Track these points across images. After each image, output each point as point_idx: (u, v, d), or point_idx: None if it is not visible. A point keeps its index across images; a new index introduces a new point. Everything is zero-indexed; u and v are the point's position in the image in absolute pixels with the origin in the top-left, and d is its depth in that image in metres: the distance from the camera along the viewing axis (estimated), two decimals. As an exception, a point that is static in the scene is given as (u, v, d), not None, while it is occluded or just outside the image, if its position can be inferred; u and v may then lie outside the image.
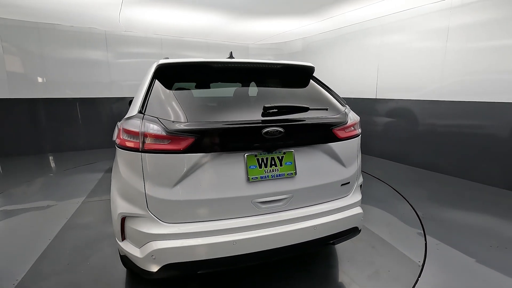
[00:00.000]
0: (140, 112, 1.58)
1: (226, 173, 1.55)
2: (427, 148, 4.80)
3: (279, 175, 1.64)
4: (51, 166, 5.24)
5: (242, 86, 2.06)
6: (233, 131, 1.55)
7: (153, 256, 1.47)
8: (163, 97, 1.66)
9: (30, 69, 5.85)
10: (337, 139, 1.78)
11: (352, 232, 1.88)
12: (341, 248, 2.47)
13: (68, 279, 2.09)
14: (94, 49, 6.31)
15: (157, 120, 1.51)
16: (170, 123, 1.49)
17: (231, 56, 2.48)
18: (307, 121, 1.70)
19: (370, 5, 4.67)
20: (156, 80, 1.73)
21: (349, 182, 1.88)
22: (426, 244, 2.53)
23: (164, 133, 1.46)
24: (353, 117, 1.93)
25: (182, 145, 1.47)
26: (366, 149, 5.96)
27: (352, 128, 1.89)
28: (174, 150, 1.47)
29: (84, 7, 4.69)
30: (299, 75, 2.13)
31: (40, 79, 5.95)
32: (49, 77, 6.00)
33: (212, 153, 1.52)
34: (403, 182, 4.23)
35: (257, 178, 1.59)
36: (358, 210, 1.90)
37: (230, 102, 1.95)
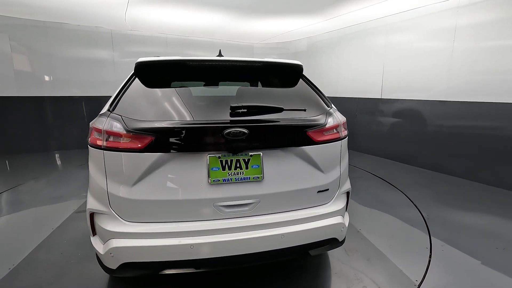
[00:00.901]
0: (108, 110, 1.60)
1: (187, 174, 1.50)
2: (433, 149, 4.76)
3: (244, 178, 1.54)
4: (57, 164, 5.31)
5: (221, 85, 2.00)
6: (193, 131, 1.49)
7: (111, 253, 1.46)
8: (135, 95, 1.66)
9: (38, 68, 5.92)
10: (312, 142, 1.64)
11: (331, 243, 1.74)
12: (335, 256, 2.33)
13: (56, 269, 2.16)
14: (100, 48, 6.37)
15: (120, 118, 1.51)
16: (131, 121, 1.48)
17: (220, 54, 2.43)
18: (277, 123, 1.59)
19: (375, 4, 4.64)
20: (133, 79, 1.74)
21: (328, 189, 1.73)
22: (431, 245, 2.51)
23: (124, 131, 1.46)
24: (335, 119, 1.77)
25: (142, 143, 1.45)
26: (371, 149, 5.92)
27: (334, 131, 1.75)
28: (134, 149, 1.45)
29: (91, 6, 4.73)
30: (285, 74, 2.01)
31: (47, 78, 6.02)
32: (56, 75, 6.06)
33: (172, 153, 1.47)
34: (409, 183, 4.19)
35: (219, 180, 1.51)
36: (337, 220, 1.73)
37: (202, 101, 1.80)
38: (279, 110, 1.66)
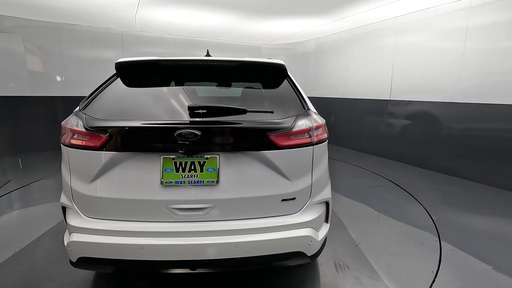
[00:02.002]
0: (79, 109, 1.65)
1: (141, 174, 1.50)
2: (443, 151, 4.68)
3: (198, 181, 1.49)
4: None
5: (198, 85, 1.96)
6: (145, 131, 1.48)
7: (70, 247, 1.52)
8: (108, 95, 1.70)
9: (50, 68, 6.05)
10: (276, 147, 1.51)
11: (297, 257, 1.60)
12: (322, 270, 2.16)
13: (55, 255, 2.33)
14: (110, 48, 6.47)
15: (84, 116, 1.56)
16: (92, 120, 1.52)
17: (207, 54, 2.43)
18: (234, 125, 1.51)
19: (385, 5, 4.60)
20: (113, 79, 1.79)
21: (294, 198, 1.59)
22: (440, 249, 2.47)
23: (83, 130, 1.50)
24: (307, 123, 1.61)
25: (98, 142, 1.47)
26: (379, 151, 5.86)
27: (305, 135, 1.60)
28: (91, 147, 1.48)
29: (102, 8, 4.82)
30: (266, 74, 1.94)
31: (59, 78, 6.15)
32: (67, 75, 6.19)
33: (127, 152, 1.48)
34: (418, 185, 4.13)
35: (171, 182, 1.48)
36: (304, 232, 1.58)
37: (169, 101, 1.77)
38: (242, 111, 1.56)
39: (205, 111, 1.52)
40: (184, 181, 1.49)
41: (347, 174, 4.76)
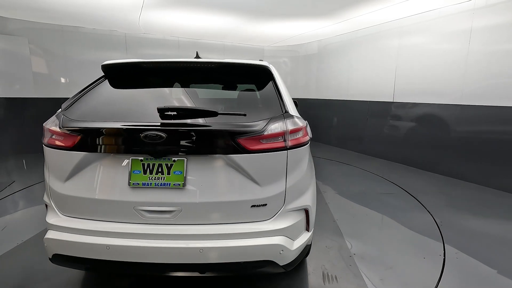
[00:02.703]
0: (61, 109, 1.69)
1: (110, 175, 1.52)
2: (447, 154, 4.65)
3: (164, 184, 1.48)
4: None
5: (178, 86, 1.94)
6: (114, 132, 1.50)
7: (45, 243, 1.56)
8: (88, 96, 1.73)
9: (54, 70, 6.11)
10: (245, 150, 1.47)
11: (267, 266, 1.54)
12: (310, 281, 2.06)
13: None
14: (114, 50, 6.52)
15: (62, 117, 1.60)
16: (67, 121, 1.56)
17: (197, 56, 2.43)
18: (201, 127, 1.48)
19: (388, 7, 4.59)
20: (99, 80, 1.84)
21: (266, 205, 1.53)
22: (444, 252, 2.45)
23: (58, 130, 1.55)
24: (281, 127, 1.55)
25: (71, 142, 1.51)
26: (382, 153, 5.84)
27: (279, 139, 1.53)
28: (65, 147, 1.53)
29: (107, 10, 4.86)
30: (249, 75, 1.91)
31: (63, 80, 6.21)
32: (71, 77, 6.24)
33: (98, 153, 1.50)
34: (421, 188, 4.11)
35: (138, 184, 1.48)
36: (275, 240, 1.51)
37: (144, 103, 1.76)
38: (213, 114, 1.52)
39: (175, 113, 1.50)
40: (150, 183, 1.48)
41: (348, 176, 4.75)
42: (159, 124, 1.47)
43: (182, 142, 1.48)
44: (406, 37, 5.22)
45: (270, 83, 1.81)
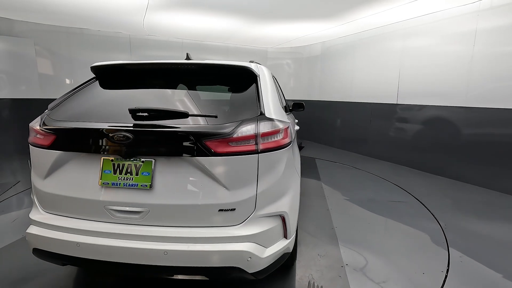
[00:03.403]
0: (47, 109, 1.76)
1: (83, 174, 1.55)
2: (451, 156, 4.62)
3: (133, 185, 1.49)
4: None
5: (157, 87, 1.95)
6: (85, 132, 1.54)
7: (26, 238, 1.63)
8: (74, 97, 1.79)
9: (60, 71, 6.17)
10: (213, 153, 1.44)
11: (235, 272, 1.49)
12: None
13: None
14: (119, 52, 6.58)
15: (45, 117, 1.66)
16: (48, 120, 1.63)
17: (187, 58, 2.44)
18: (169, 129, 1.47)
19: (392, 9, 4.58)
20: (88, 82, 1.91)
21: (234, 209, 1.49)
22: (449, 256, 2.43)
23: (38, 129, 1.61)
24: (251, 129, 1.50)
25: (48, 141, 1.57)
26: (385, 155, 5.81)
27: (250, 142, 1.49)
28: (43, 145, 1.59)
29: (111, 12, 4.91)
30: (230, 77, 1.91)
31: (68, 81, 6.27)
32: (76, 78, 6.30)
33: (72, 152, 1.55)
34: (425, 190, 4.08)
35: (108, 183, 1.50)
36: (243, 247, 1.46)
37: (120, 104, 1.77)
38: (184, 115, 1.51)
39: (146, 114, 1.52)
40: (119, 183, 1.50)
41: (353, 180, 4.73)
42: (126, 125, 1.48)
43: (149, 143, 1.49)
44: (410, 39, 5.20)
45: (252, 84, 1.79)
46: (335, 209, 3.38)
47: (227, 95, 1.83)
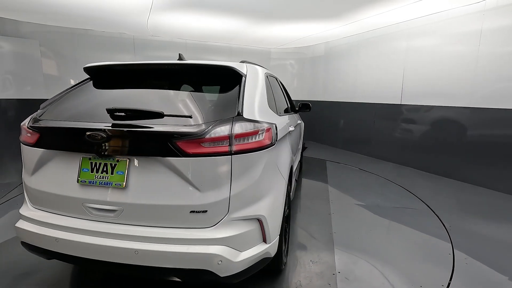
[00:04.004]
0: (39, 109, 1.83)
1: (64, 171, 1.59)
2: (455, 157, 4.58)
3: (108, 183, 1.51)
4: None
5: (143, 87, 1.97)
6: (63, 131, 1.60)
7: (15, 231, 1.70)
8: (65, 97, 1.85)
9: (65, 72, 6.22)
10: (184, 154, 1.42)
11: (205, 275, 1.47)
12: None
13: None
14: (123, 52, 6.62)
15: (34, 116, 1.73)
16: (35, 119, 1.70)
17: (180, 58, 2.45)
18: (142, 129, 1.48)
19: (396, 9, 4.56)
20: (82, 82, 1.98)
21: (206, 211, 1.47)
22: (454, 258, 2.40)
23: (26, 127, 1.69)
24: (225, 130, 1.47)
25: (33, 139, 1.64)
26: (389, 156, 5.77)
27: (223, 143, 1.46)
28: (30, 143, 1.66)
29: (116, 13, 4.94)
30: (214, 77, 1.91)
31: (72, 81, 6.32)
32: (81, 79, 6.31)
33: (54, 150, 1.60)
34: (428, 191, 4.05)
35: (85, 181, 1.54)
36: (213, 250, 1.44)
37: (102, 104, 1.79)
38: (159, 115, 1.51)
39: (123, 114, 1.54)
40: (96, 182, 1.53)
41: (358, 182, 4.70)
42: (103, 124, 1.51)
43: (123, 143, 1.50)
44: (414, 39, 5.17)
45: (235, 84, 1.77)
46: (337, 213, 3.27)
47: (209, 96, 1.81)
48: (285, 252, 2.21)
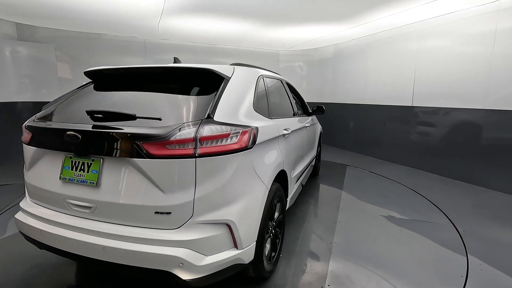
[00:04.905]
0: (42, 110, 1.98)
1: (51, 168, 1.71)
2: (469, 160, 4.47)
3: (83, 181, 1.59)
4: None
5: (128, 90, 2.00)
6: (47, 131, 1.74)
7: (15, 222, 1.84)
8: (64, 99, 1.99)
9: (78, 75, 6.37)
10: (149, 155, 1.44)
11: (168, 277, 1.47)
12: None
13: None
14: (134, 56, 6.75)
15: (33, 117, 1.90)
16: (31, 120, 1.86)
17: (175, 62, 2.49)
18: (111, 130, 1.53)
19: (407, 10, 4.50)
20: (84, 85, 2.12)
21: (170, 213, 1.47)
22: (468, 264, 2.35)
23: (25, 127, 1.84)
24: (190, 132, 1.47)
25: (28, 138, 1.81)
26: (399, 159, 5.69)
27: (188, 145, 1.46)
28: (26, 142, 1.83)
29: (128, 18, 5.05)
30: (192, 79, 1.94)
31: (86, 84, 6.47)
32: (93, 82, 6.49)
33: (43, 148, 1.74)
34: (441, 194, 3.96)
35: (66, 179, 1.64)
36: (175, 252, 1.43)
37: (87, 106, 1.84)
38: (132, 117, 1.55)
39: (100, 115, 1.62)
40: (74, 179, 1.62)
41: (372, 186, 4.65)
42: (79, 125, 1.62)
43: (95, 143, 1.58)
44: (426, 40, 5.09)
45: (215, 87, 1.77)
46: (344, 222, 3.08)
47: (186, 98, 1.80)
48: (274, 259, 2.15)
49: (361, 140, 6.74)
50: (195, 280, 1.48)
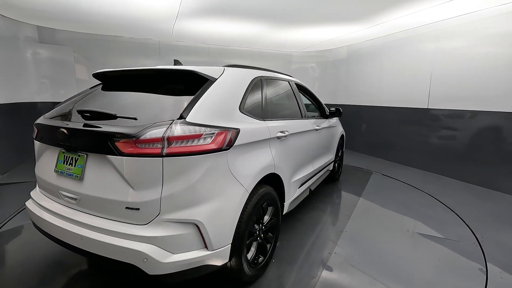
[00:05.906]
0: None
1: (49, 162, 1.90)
2: (488, 164, 4.33)
3: (71, 174, 1.75)
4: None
5: (119, 91, 2.11)
6: (45, 128, 1.92)
7: (26, 208, 2.01)
8: (72, 99, 2.16)
9: (95, 76, 6.55)
10: (121, 153, 1.51)
11: (134, 271, 1.51)
12: None
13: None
14: (149, 58, 6.87)
15: (43, 116, 2.07)
16: (41, 118, 2.05)
17: (175, 64, 2.52)
18: (90, 128, 1.67)
19: (424, 10, 4.41)
20: (96, 86, 2.27)
21: (138, 209, 1.53)
22: (487, 272, 2.27)
23: (34, 124, 2.04)
24: (159, 132, 1.51)
25: (35, 134, 2.02)
26: (415, 162, 5.56)
27: (157, 145, 1.50)
28: (34, 137, 2.04)
29: (143, 20, 5.15)
30: (176, 81, 2.01)
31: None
32: (109, 83, 6.65)
33: (44, 144, 1.93)
34: (459, 200, 3.86)
35: (58, 171, 1.81)
36: (138, 246, 1.48)
37: (87, 105, 2.00)
38: (113, 117, 1.67)
39: (88, 114, 1.76)
40: (64, 172, 1.78)
41: (385, 187, 4.57)
42: (69, 123, 1.80)
43: (80, 140, 1.72)
44: (443, 40, 4.97)
45: (196, 88, 1.81)
46: (351, 232, 2.92)
47: (165, 99, 1.90)
48: (261, 264, 2.14)
49: (374, 142, 6.63)
50: (160, 277, 1.53)
